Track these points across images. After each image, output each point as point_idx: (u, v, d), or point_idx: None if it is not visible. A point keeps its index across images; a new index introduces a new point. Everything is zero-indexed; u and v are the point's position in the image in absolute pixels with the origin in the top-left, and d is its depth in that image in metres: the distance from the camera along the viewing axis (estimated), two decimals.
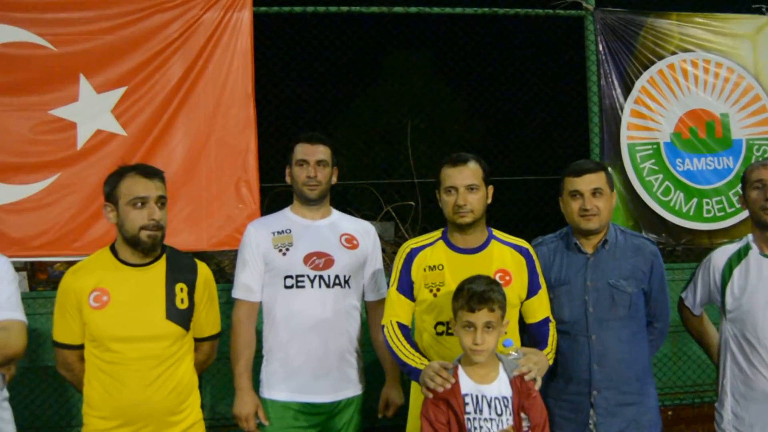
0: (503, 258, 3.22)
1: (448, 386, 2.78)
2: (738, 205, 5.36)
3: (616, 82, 5.36)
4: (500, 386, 2.80)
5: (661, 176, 5.39)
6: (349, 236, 3.55)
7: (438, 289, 3.17)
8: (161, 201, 3.00)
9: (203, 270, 3.21)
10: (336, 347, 3.41)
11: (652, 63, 5.40)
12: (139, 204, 2.94)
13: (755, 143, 5.52)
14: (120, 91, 4.76)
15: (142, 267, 3.03)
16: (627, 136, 5.36)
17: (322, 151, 3.49)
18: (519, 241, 3.31)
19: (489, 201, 3.23)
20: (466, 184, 3.12)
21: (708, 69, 5.47)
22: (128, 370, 2.93)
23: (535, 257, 3.27)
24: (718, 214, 5.41)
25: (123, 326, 2.94)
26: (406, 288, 3.26)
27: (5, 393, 2.99)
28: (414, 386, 3.22)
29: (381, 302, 3.56)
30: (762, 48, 5.56)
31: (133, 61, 4.76)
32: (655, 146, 5.40)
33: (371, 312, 3.64)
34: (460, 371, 2.82)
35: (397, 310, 3.27)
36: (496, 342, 2.79)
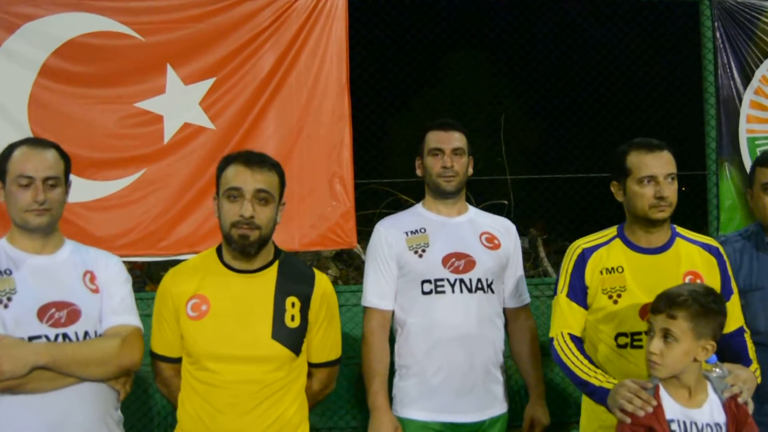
0: (692, 258, 2.79)
1: (650, 410, 2.33)
2: None
3: (734, 72, 4.98)
4: (712, 410, 2.37)
5: None
6: (490, 235, 3.17)
7: (619, 295, 2.75)
8: (261, 196, 2.51)
9: (322, 282, 2.70)
10: (481, 360, 3.02)
11: None
12: (234, 196, 2.51)
13: None
14: (208, 83, 4.52)
15: (248, 274, 2.58)
16: (746, 129, 4.98)
17: (457, 138, 3.12)
18: (707, 239, 2.89)
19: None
20: (665, 172, 2.71)
21: None
22: (224, 395, 2.50)
23: (725, 257, 2.85)
24: None
25: (221, 342, 2.51)
26: (579, 294, 2.84)
27: (119, 415, 2.65)
28: (587, 407, 2.86)
29: (523, 310, 3.24)
30: None
31: (222, 50, 4.53)
32: None
33: (512, 321, 3.24)
34: (662, 392, 2.38)
35: (568, 320, 2.84)
36: (683, 361, 2.34)
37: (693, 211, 5.50)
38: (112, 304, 2.60)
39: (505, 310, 3.20)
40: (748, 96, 4.97)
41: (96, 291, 2.61)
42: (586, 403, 2.86)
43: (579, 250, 2.89)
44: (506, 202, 5.86)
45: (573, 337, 2.81)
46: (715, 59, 4.99)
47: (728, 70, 4.98)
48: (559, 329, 2.85)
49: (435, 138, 3.13)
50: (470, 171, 3.20)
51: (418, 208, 3.24)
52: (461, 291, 3.01)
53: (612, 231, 2.91)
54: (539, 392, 3.20)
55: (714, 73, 5.00)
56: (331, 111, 4.60)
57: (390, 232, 3.13)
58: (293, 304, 2.59)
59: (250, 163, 2.54)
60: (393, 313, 3.11)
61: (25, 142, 2.62)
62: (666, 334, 2.33)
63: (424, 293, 3.02)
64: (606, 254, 2.83)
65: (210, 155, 4.48)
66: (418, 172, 3.23)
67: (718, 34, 4.98)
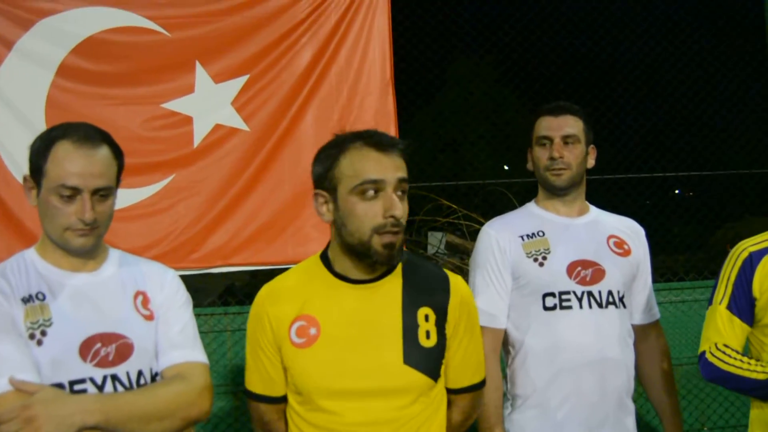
0: None
1: None
2: None
3: None
4: None
5: None
6: (619, 239, 2.72)
7: None
8: (402, 188, 1.95)
9: (459, 286, 2.15)
10: (614, 388, 2.57)
11: None
12: (372, 192, 1.92)
13: None
14: (241, 81, 4.15)
15: (367, 284, 2.04)
16: None
17: (571, 124, 2.67)
18: None
19: None
20: None
21: None
22: None
23: None
24: None
25: (338, 374, 1.97)
26: (744, 306, 2.40)
27: None
28: (758, 417, 2.41)
29: (654, 326, 2.82)
30: None
31: (256, 46, 4.16)
32: None
33: (641, 340, 2.77)
34: None
35: (725, 335, 2.40)
36: None
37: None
38: (171, 335, 2.11)
39: (633, 327, 2.75)
40: None
41: (150, 318, 2.10)
42: (758, 414, 2.42)
43: (745, 254, 2.45)
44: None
45: (731, 348, 2.39)
46: None
47: None
48: (712, 342, 2.43)
49: (544, 125, 2.70)
50: (591, 162, 2.75)
51: (531, 207, 2.81)
52: (590, 306, 2.57)
53: None
54: (677, 424, 2.77)
55: None
56: (375, 110, 4.24)
57: (503, 236, 2.69)
58: (427, 317, 2.05)
59: (384, 146, 1.95)
60: (505, 332, 2.68)
61: (69, 133, 2.00)
62: None
63: (546, 308, 2.58)
64: None
65: (244, 159, 4.12)
66: (528, 166, 2.80)
67: None
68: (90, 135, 2.02)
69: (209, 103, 4.12)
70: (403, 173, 1.95)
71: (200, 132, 4.12)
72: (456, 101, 13.25)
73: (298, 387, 2.02)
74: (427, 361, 2.02)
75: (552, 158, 2.64)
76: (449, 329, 2.08)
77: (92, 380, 1.95)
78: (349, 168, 1.95)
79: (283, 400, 2.11)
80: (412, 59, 5.63)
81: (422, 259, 2.31)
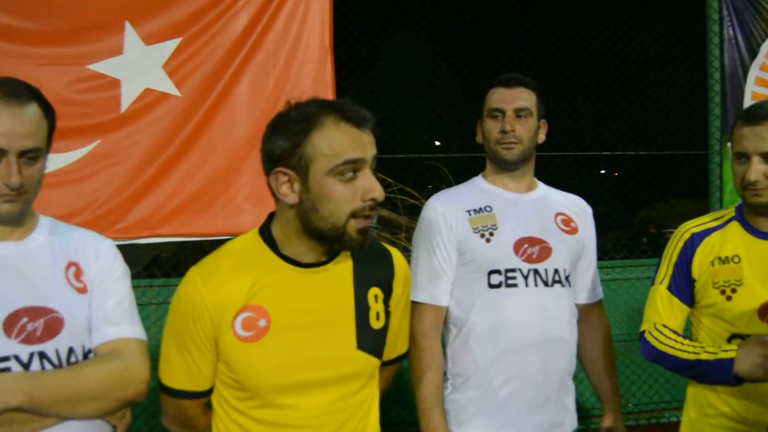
0: None
1: None
2: None
3: (741, 47, 4.70)
4: None
5: None
6: (566, 217, 2.61)
7: (733, 290, 2.29)
8: (373, 166, 1.79)
9: (400, 260, 2.04)
10: (557, 369, 2.48)
11: None
12: (352, 173, 1.75)
13: None
14: (173, 43, 3.96)
15: (317, 267, 1.86)
16: None
17: (523, 97, 2.54)
18: None
19: None
20: (761, 150, 2.19)
21: None
22: None
23: None
24: None
25: (293, 367, 1.80)
26: (684, 287, 2.39)
27: None
28: (694, 396, 2.44)
29: (596, 306, 2.74)
30: None
31: (189, 7, 3.97)
32: None
33: (583, 319, 2.68)
34: None
35: (664, 316, 2.40)
36: None
37: (696, 192, 5.23)
38: (106, 309, 1.91)
39: (576, 307, 2.66)
40: (753, 72, 4.69)
41: (83, 290, 1.91)
42: (693, 393, 2.45)
43: (687, 235, 2.42)
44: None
45: (669, 328, 2.40)
46: (721, 32, 4.71)
47: (734, 44, 4.70)
48: (652, 322, 2.42)
49: (496, 96, 2.56)
50: (541, 137, 2.64)
51: (479, 181, 2.67)
52: (536, 284, 2.46)
53: (730, 212, 2.44)
54: (616, 403, 2.72)
55: (720, 47, 4.71)
56: (313, 78, 4.10)
57: (450, 210, 2.53)
58: (376, 298, 1.92)
59: (361, 122, 1.77)
60: (447, 310, 2.56)
61: None
62: None
63: (491, 286, 2.45)
64: (720, 240, 2.37)
65: (174, 126, 3.95)
66: (478, 139, 2.67)
67: (724, 6, 4.69)
68: (17, 91, 1.80)
69: (139, 66, 3.92)
70: (375, 150, 1.79)
71: (128, 96, 3.92)
72: (391, 75, 13.20)
73: (243, 383, 1.81)
74: (377, 342, 1.92)
75: (504, 131, 2.52)
76: (392, 305, 2.00)
77: (17, 358, 1.75)
78: (326, 146, 1.74)
79: (210, 393, 1.90)
80: (348, 31, 5.49)
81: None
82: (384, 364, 2.03)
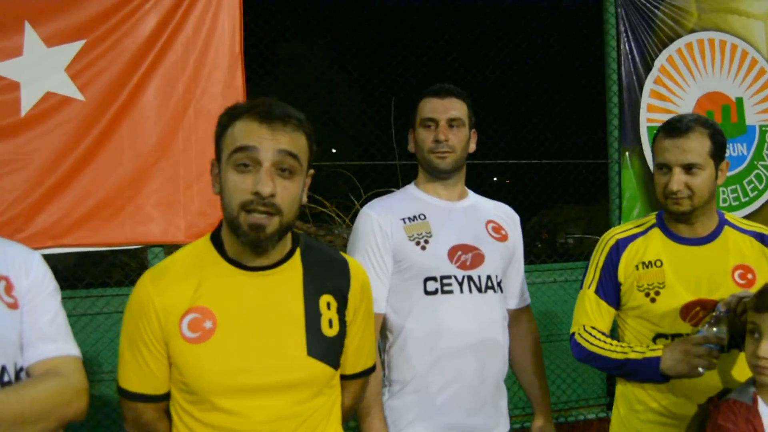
0: (741, 249, 2.46)
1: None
2: (752, 194, 5.10)
3: (636, 60, 4.93)
4: None
5: None
6: (496, 224, 2.70)
7: (657, 293, 2.42)
8: (287, 164, 1.76)
9: (359, 271, 2.05)
10: (493, 372, 2.57)
11: (672, 41, 5.01)
12: (246, 164, 1.75)
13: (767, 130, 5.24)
14: (76, 46, 3.80)
15: (263, 271, 1.87)
16: (647, 118, 4.94)
17: (456, 107, 2.61)
18: (760, 228, 2.54)
19: (719, 182, 2.45)
20: (682, 162, 2.35)
21: (724, 50, 5.14)
22: None
23: None
24: (733, 204, 5.08)
25: (240, 370, 1.79)
26: (610, 291, 2.52)
27: None
28: (623, 393, 2.56)
29: (525, 311, 2.83)
30: None
31: (94, 9, 3.82)
32: None
33: (513, 324, 2.76)
34: (761, 403, 2.10)
35: (593, 317, 2.53)
36: None
37: (596, 199, 5.43)
38: (40, 326, 1.84)
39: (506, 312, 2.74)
40: (648, 85, 4.94)
41: (14, 306, 1.82)
42: (622, 391, 2.57)
43: (612, 241, 2.56)
44: (394, 190, 5.49)
45: (597, 330, 2.52)
46: (618, 47, 4.93)
47: (630, 59, 4.93)
48: (581, 324, 2.55)
49: (429, 106, 2.62)
50: (472, 147, 2.70)
51: (412, 189, 2.72)
52: (470, 290, 2.52)
53: (651, 219, 2.59)
54: (546, 405, 2.80)
55: (617, 60, 4.93)
56: (223, 84, 4.03)
57: (385, 219, 2.57)
58: (329, 305, 1.91)
59: (268, 117, 1.77)
60: (383, 317, 2.58)
61: None
62: None
63: (427, 293, 2.50)
64: (643, 246, 2.51)
65: (78, 131, 3.78)
66: (410, 148, 2.71)
67: (621, 22, 4.91)
68: None
69: (39, 69, 3.74)
70: (286, 147, 1.77)
71: (28, 99, 3.73)
72: (287, 82, 13.15)
73: (191, 386, 1.80)
74: (330, 351, 1.91)
75: (437, 141, 2.58)
76: (349, 315, 1.98)
77: None
78: (231, 137, 1.80)
79: (165, 398, 1.89)
80: (245, 36, 5.47)
81: (320, 244, 2.13)
82: (348, 378, 2.05)
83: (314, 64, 14.13)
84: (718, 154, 2.39)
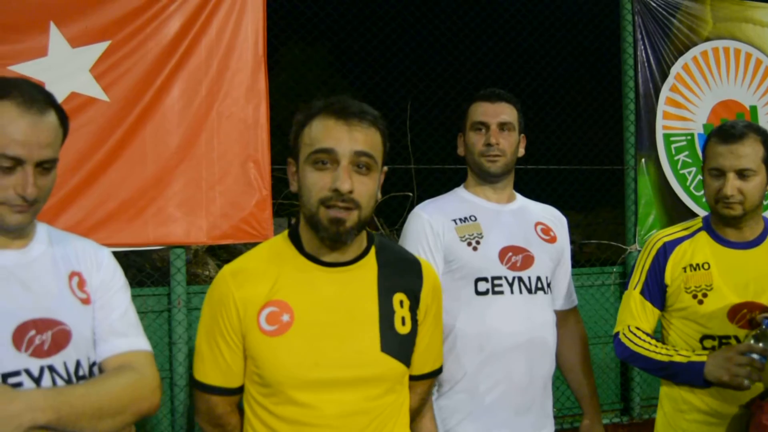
0: None
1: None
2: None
3: (653, 68, 4.97)
4: None
5: (694, 169, 5.05)
6: (545, 226, 2.71)
7: (705, 294, 2.46)
8: (363, 161, 1.79)
9: (431, 273, 2.05)
10: (541, 373, 2.56)
11: (687, 49, 5.07)
12: (324, 162, 1.78)
13: None
14: (101, 47, 3.83)
15: (341, 267, 1.89)
16: (663, 125, 4.97)
17: (506, 112, 2.62)
18: None
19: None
20: (737, 167, 2.37)
21: (739, 58, 5.20)
22: None
23: None
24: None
25: (315, 364, 1.80)
26: (656, 292, 2.55)
27: None
28: (667, 394, 2.58)
29: (573, 312, 2.83)
30: None
31: (119, 10, 3.86)
32: (689, 137, 5.04)
33: (561, 325, 2.76)
34: None
35: (638, 318, 2.56)
36: None
37: (607, 205, 5.45)
38: (111, 321, 1.84)
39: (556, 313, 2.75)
40: (664, 92, 4.98)
41: (87, 301, 1.82)
42: (667, 391, 2.59)
43: (660, 243, 2.58)
44: (410, 194, 5.50)
45: (642, 330, 2.54)
46: (635, 54, 4.97)
47: (646, 66, 4.97)
48: (626, 324, 2.57)
49: (480, 110, 2.63)
50: (521, 151, 2.73)
51: (461, 192, 2.73)
52: (521, 291, 2.53)
53: (697, 222, 2.62)
54: (595, 406, 2.82)
55: (633, 68, 4.97)
56: (246, 87, 4.06)
57: (436, 219, 2.58)
58: (402, 303, 1.93)
59: (345, 114, 1.80)
60: None
61: (11, 90, 1.66)
62: None
63: (478, 293, 2.51)
64: (690, 249, 2.53)
65: (102, 132, 3.82)
66: (460, 151, 2.73)
67: (638, 29, 4.95)
68: (36, 96, 1.69)
69: (64, 69, 3.77)
70: (362, 146, 1.79)
71: None
72: (286, 85, 13.16)
73: (266, 378, 1.82)
74: (402, 348, 1.92)
75: (488, 144, 2.59)
76: (420, 315, 1.98)
77: (28, 372, 1.65)
78: (309, 136, 1.82)
79: (239, 391, 1.91)
80: None
81: (394, 243, 2.17)
82: (416, 379, 2.05)
83: (313, 67, 14.15)
84: None
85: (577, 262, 6.48)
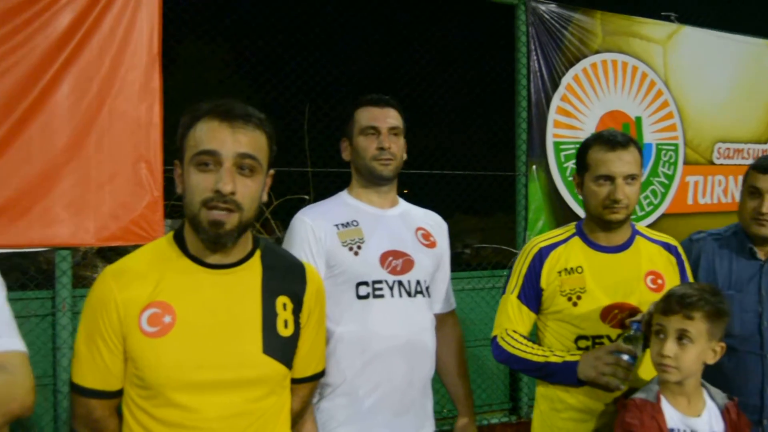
0: (652, 257, 2.65)
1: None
2: (648, 209, 5.41)
3: (545, 77, 5.12)
4: (710, 419, 2.27)
5: None
6: (425, 231, 2.76)
7: (579, 297, 2.56)
8: (246, 163, 1.81)
9: (315, 277, 2.10)
10: (421, 375, 2.63)
11: (578, 60, 5.28)
12: (208, 164, 1.79)
13: (663, 148, 5.57)
14: None
15: (224, 269, 1.90)
16: (553, 133, 5.15)
17: (394, 116, 2.68)
18: (666, 238, 2.75)
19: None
20: (626, 173, 2.51)
21: (626, 71, 5.45)
22: None
23: (684, 257, 2.75)
24: (632, 218, 5.32)
25: (197, 365, 1.80)
26: (532, 296, 2.64)
27: None
28: (543, 394, 2.69)
29: (451, 315, 2.91)
30: (671, 54, 5.67)
31: (4, 2, 3.69)
32: (578, 146, 5.18)
33: (439, 328, 2.81)
34: (663, 401, 2.26)
35: (515, 322, 2.65)
36: (696, 363, 2.25)
37: (503, 210, 5.59)
38: None
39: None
40: (555, 102, 5.16)
41: None
42: (543, 392, 2.69)
43: (536, 249, 2.68)
44: (307, 197, 5.50)
45: (519, 333, 2.64)
46: (528, 64, 5.12)
47: (539, 76, 5.13)
48: (503, 328, 2.67)
49: (368, 115, 2.67)
50: (404, 156, 2.77)
51: (344, 196, 2.76)
52: (400, 295, 2.58)
53: (570, 228, 2.73)
54: (470, 407, 2.90)
55: (527, 77, 5.12)
56: (140, 85, 3.96)
57: (319, 224, 2.60)
58: (285, 306, 1.96)
59: (231, 116, 1.82)
60: None
61: None
62: (681, 336, 2.22)
63: (359, 297, 2.55)
64: (565, 253, 2.64)
65: None
66: (345, 156, 2.75)
67: (531, 40, 5.10)
68: None
69: None
70: (246, 149, 1.81)
71: None
72: (183, 83, 12.85)
73: (147, 380, 1.81)
74: (284, 350, 1.95)
75: (381, 148, 2.64)
76: (303, 318, 2.02)
77: None
78: (193, 138, 1.83)
79: (118, 395, 1.89)
80: None
81: (279, 247, 2.21)
82: (299, 382, 2.08)
83: (214, 68, 13.93)
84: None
85: (470, 265, 6.65)
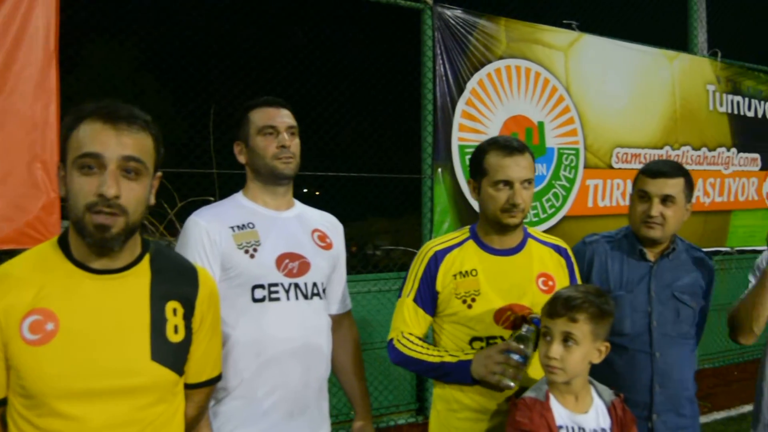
0: (543, 259, 2.72)
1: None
2: (550, 211, 5.55)
3: (450, 82, 5.21)
4: (597, 415, 2.36)
5: None
6: (321, 233, 2.78)
7: (473, 299, 2.61)
8: (131, 166, 1.77)
9: (208, 280, 2.07)
10: (317, 376, 2.64)
11: (483, 65, 5.38)
12: (91, 167, 1.75)
13: (564, 152, 5.73)
14: None
15: (110, 274, 1.85)
16: (458, 137, 5.23)
17: (290, 117, 2.70)
18: (556, 240, 2.83)
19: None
20: (523, 177, 2.58)
21: (529, 77, 5.58)
22: None
23: (573, 259, 2.83)
24: (533, 220, 5.49)
25: (81, 373, 1.76)
26: (427, 300, 2.67)
27: None
28: (440, 395, 2.72)
29: (347, 316, 2.92)
30: (572, 62, 5.84)
31: None
32: None
33: (336, 329, 2.84)
34: (552, 399, 2.34)
35: (410, 324, 2.68)
36: (581, 364, 2.34)
37: (412, 212, 5.64)
38: None
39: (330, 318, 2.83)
40: (460, 106, 5.25)
41: None
42: (439, 393, 2.73)
43: (431, 253, 2.71)
44: (212, 198, 5.44)
45: (414, 335, 2.68)
46: (434, 68, 5.19)
47: (444, 80, 5.20)
48: (399, 331, 2.69)
49: (264, 115, 2.66)
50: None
51: (239, 198, 2.73)
52: (296, 297, 2.59)
53: (465, 232, 2.77)
54: (366, 407, 2.92)
55: (432, 81, 5.19)
56: (35, 83, 3.84)
57: (213, 226, 2.57)
58: (175, 311, 1.92)
59: (112, 117, 1.77)
60: None
61: None
62: (566, 338, 2.30)
63: (255, 300, 2.53)
64: (459, 257, 2.68)
65: None
66: (241, 159, 2.73)
67: (437, 45, 5.17)
68: None
69: None
70: (131, 151, 1.78)
71: None
72: (91, 83, 12.52)
73: (29, 389, 1.76)
74: (174, 356, 1.91)
75: (283, 146, 2.64)
76: (195, 323, 1.99)
77: None
78: (76, 139, 1.77)
79: (2, 404, 1.82)
80: None
81: (171, 250, 2.15)
82: (193, 387, 2.05)
83: (123, 66, 13.64)
84: None
85: (378, 267, 6.72)
